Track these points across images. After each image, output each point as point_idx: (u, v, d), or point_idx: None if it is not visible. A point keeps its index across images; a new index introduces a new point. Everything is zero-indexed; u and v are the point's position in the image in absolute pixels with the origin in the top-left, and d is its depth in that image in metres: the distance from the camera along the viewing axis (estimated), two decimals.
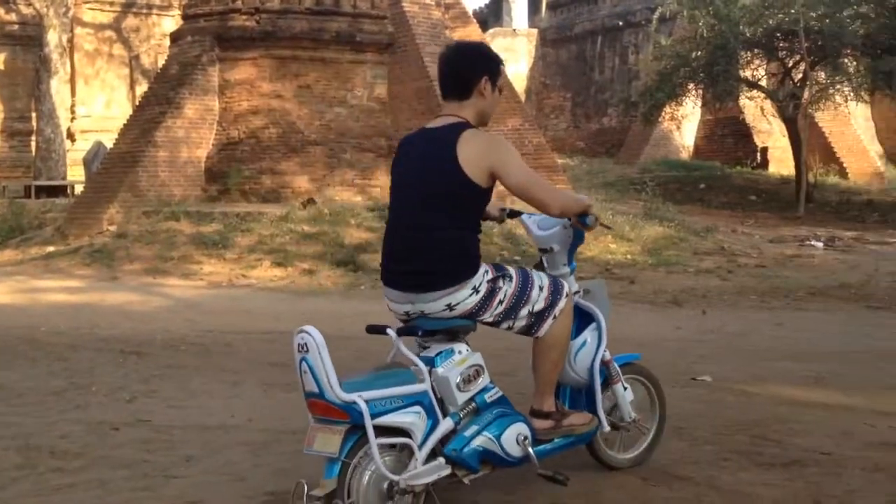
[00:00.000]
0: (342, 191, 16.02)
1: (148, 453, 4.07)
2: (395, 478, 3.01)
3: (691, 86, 21.28)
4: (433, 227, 3.25)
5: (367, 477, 3.01)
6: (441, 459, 3.14)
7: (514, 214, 3.87)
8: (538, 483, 3.37)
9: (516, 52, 29.42)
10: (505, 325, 3.39)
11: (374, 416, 2.97)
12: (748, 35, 19.75)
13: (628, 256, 14.09)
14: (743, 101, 23.04)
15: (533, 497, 3.48)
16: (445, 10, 17.45)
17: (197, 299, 10.31)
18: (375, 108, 16.83)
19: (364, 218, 14.45)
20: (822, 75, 19.98)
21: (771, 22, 19.80)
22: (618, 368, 3.74)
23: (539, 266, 3.70)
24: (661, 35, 21.94)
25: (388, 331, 3.25)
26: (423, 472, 3.07)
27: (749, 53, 21.03)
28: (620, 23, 28.15)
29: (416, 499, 3.11)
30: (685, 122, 24.22)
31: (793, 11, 18.76)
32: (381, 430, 3.00)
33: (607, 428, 3.66)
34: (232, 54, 15.96)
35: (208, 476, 3.77)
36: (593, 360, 3.63)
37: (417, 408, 3.11)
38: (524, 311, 3.36)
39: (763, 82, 21.95)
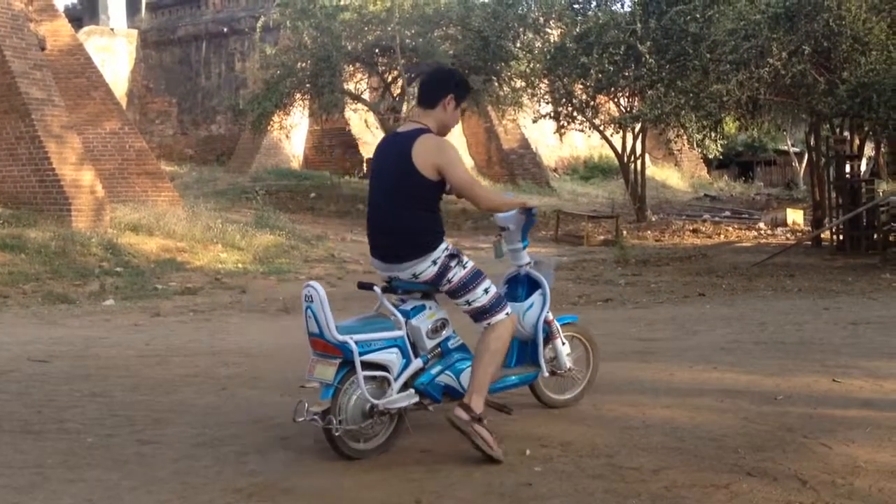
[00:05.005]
0: None
1: None
2: (376, 401, 3.88)
3: (298, 96, 21.55)
4: (398, 213, 4.03)
5: (353, 400, 3.90)
6: (411, 390, 4.01)
7: None
8: None
9: (115, 53, 27.72)
10: (455, 302, 4.15)
11: (361, 354, 3.83)
12: (350, 49, 20.48)
13: (239, 265, 13.85)
14: (348, 112, 23.86)
15: None
16: (29, 2, 15.87)
17: None
18: None
19: None
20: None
21: (370, 38, 20.76)
22: (559, 326, 4.60)
23: (498, 239, 4.55)
24: (267, 44, 21.91)
25: (375, 288, 4.11)
26: (397, 398, 3.95)
27: (352, 67, 21.82)
28: (225, 29, 27.67)
29: (391, 419, 3.99)
30: (294, 132, 24.47)
31: (389, 29, 19.81)
32: (366, 365, 3.87)
33: (547, 373, 4.53)
34: None
35: None
36: (538, 319, 4.47)
37: (395, 349, 3.98)
38: (463, 299, 4.11)
39: (366, 95, 22.89)
